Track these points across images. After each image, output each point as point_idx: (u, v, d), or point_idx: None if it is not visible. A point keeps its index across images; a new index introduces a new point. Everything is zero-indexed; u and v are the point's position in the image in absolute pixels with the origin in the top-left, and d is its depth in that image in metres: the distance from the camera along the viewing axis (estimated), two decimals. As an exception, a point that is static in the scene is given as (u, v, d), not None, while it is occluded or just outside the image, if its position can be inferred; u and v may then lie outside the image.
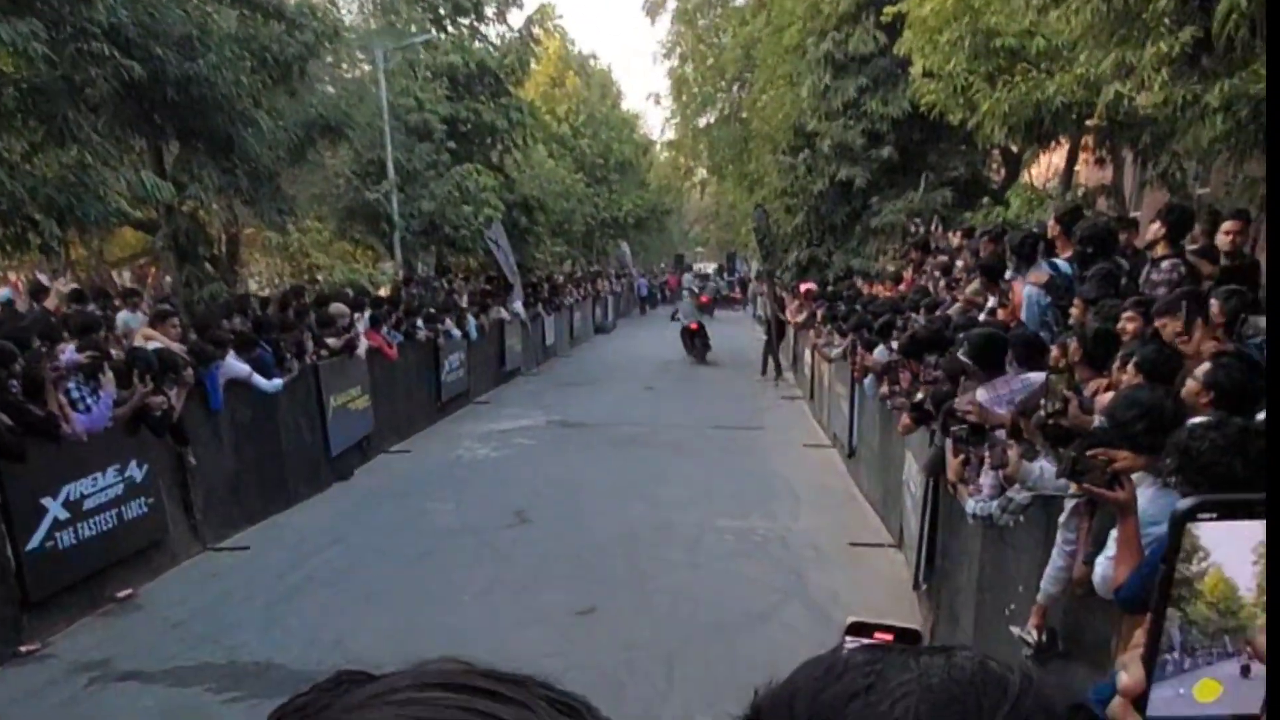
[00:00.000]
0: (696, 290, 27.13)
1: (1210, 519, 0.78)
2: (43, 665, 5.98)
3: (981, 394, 5.62)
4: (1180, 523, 0.79)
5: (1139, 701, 0.85)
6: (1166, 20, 7.27)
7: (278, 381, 9.50)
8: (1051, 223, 7.40)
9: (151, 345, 8.03)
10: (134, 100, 11.00)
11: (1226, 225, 5.92)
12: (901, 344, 7.89)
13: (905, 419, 7.15)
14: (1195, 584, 0.81)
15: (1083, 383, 4.92)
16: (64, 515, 6.60)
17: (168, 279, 14.22)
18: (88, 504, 6.85)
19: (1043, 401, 4.62)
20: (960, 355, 5.88)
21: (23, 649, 6.07)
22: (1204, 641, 0.82)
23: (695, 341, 21.50)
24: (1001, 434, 4.90)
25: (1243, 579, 0.80)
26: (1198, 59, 7.27)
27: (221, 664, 5.97)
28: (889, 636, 0.81)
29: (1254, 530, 0.79)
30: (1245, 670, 0.81)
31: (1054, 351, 5.57)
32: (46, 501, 6.47)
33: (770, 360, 18.96)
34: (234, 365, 8.95)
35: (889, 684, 0.54)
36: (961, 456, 5.43)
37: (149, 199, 11.04)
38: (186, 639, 6.36)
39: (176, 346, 8.32)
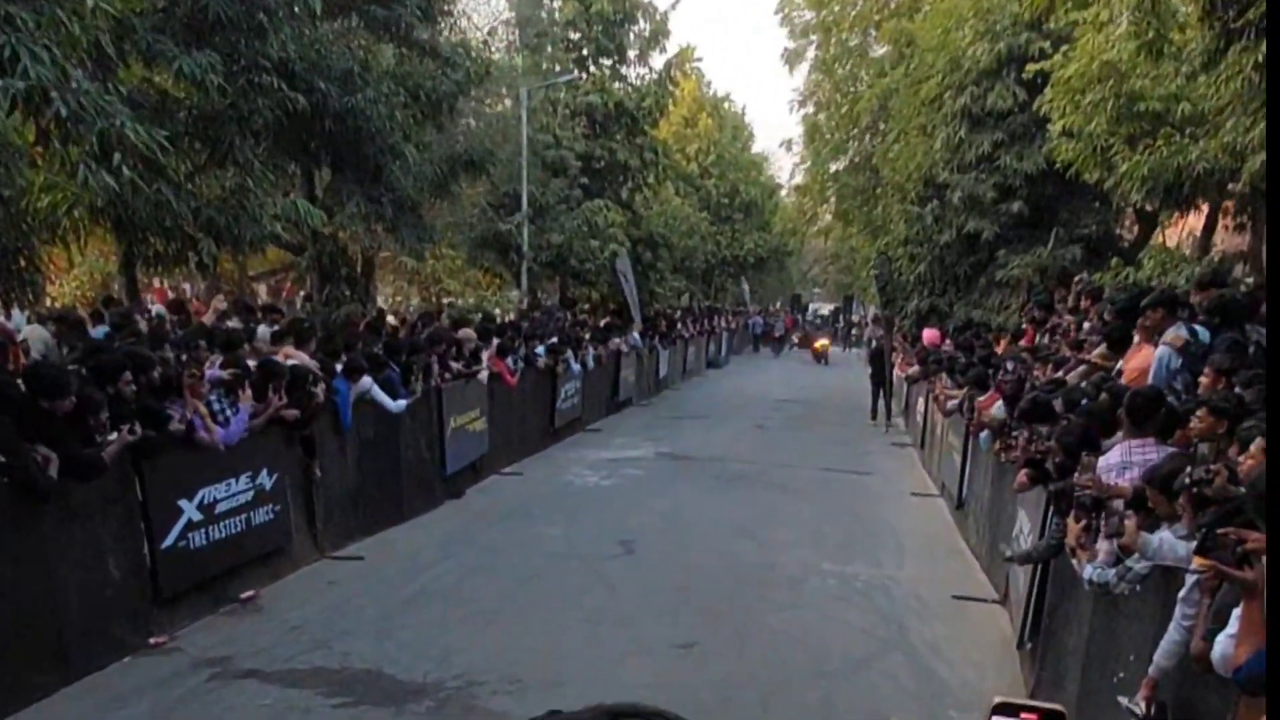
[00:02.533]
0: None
1: None
2: (169, 658, 6.22)
3: (1115, 454, 5.34)
4: None
5: None
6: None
7: (402, 402, 9.75)
8: (1193, 290, 7.03)
9: (290, 362, 8.38)
10: (294, 129, 11.57)
11: None
12: (1021, 407, 7.58)
13: (1022, 477, 6.87)
14: None
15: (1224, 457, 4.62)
16: (197, 517, 6.89)
17: (300, 296, 14.83)
18: (220, 508, 7.14)
19: (1188, 469, 4.37)
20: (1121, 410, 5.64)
21: (152, 641, 6.34)
22: None
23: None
24: (1119, 504, 4.66)
25: None
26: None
27: (334, 669, 6.10)
28: (1034, 717, 0.81)
29: None
30: None
31: (1193, 422, 5.25)
32: (182, 503, 6.77)
33: (881, 404, 18.54)
34: (363, 381, 9.24)
35: None
36: (1083, 522, 5.16)
37: (301, 223, 11.55)
38: (302, 642, 6.54)
39: (311, 364, 8.66)
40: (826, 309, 49.53)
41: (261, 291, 21.19)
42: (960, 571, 8.87)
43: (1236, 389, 5.28)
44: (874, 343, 22.16)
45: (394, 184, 12.89)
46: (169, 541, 6.62)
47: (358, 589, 7.77)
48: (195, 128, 10.44)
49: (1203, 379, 5.77)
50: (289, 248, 14.63)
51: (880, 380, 18.64)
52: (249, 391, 7.47)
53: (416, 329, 12.88)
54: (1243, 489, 3.85)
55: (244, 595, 7.30)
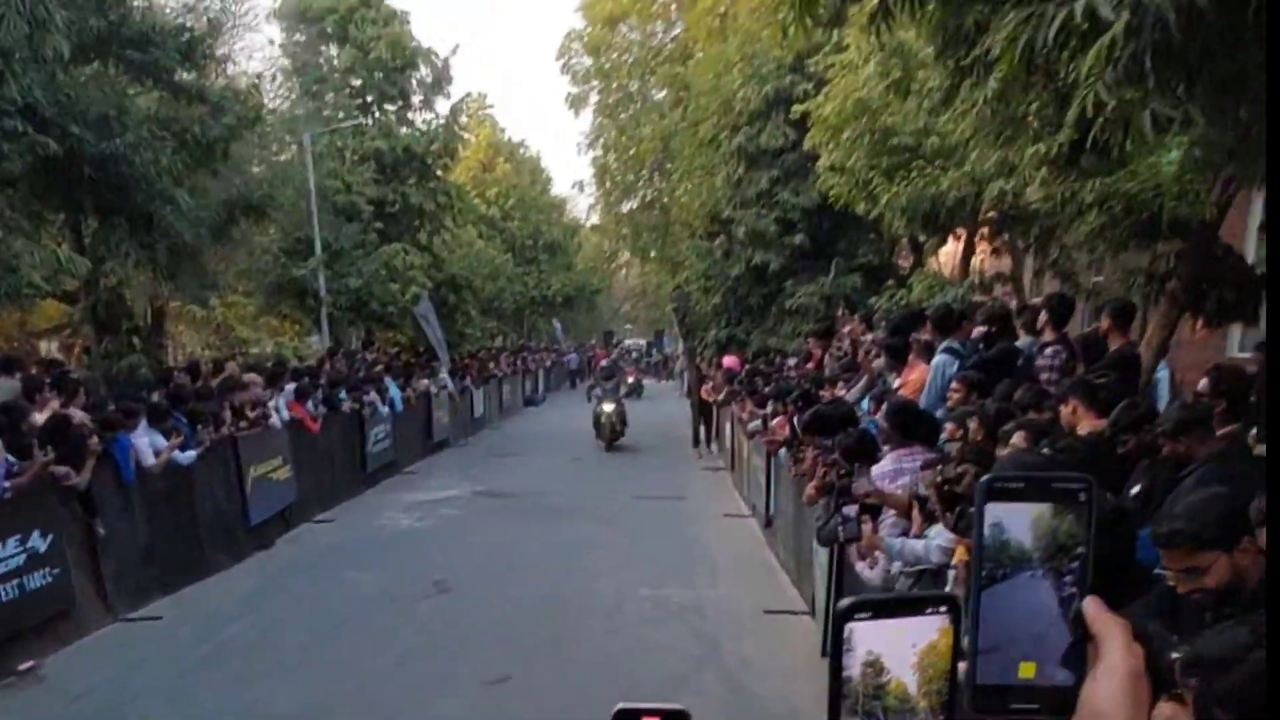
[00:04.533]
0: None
1: (866, 618, 0.85)
2: (-66, 740, 5.59)
3: (887, 463, 5.73)
4: (840, 621, 0.86)
5: None
6: (1044, 124, 7.62)
7: (191, 453, 9.23)
8: (933, 333, 7.57)
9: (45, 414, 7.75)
10: (50, 176, 10.75)
11: (1104, 321, 6.16)
12: (804, 420, 8.00)
13: (809, 490, 7.24)
14: (885, 689, 0.89)
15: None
16: (-39, 586, 6.23)
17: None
18: (-12, 575, 6.48)
19: (938, 468, 4.73)
20: (881, 418, 6.01)
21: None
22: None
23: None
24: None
25: (910, 679, 0.88)
26: (1076, 159, 7.62)
27: (124, 738, 5.63)
28: (656, 719, 0.87)
29: (910, 628, 0.86)
30: None
31: (949, 428, 5.70)
32: (-57, 572, 6.10)
33: (699, 431, 19.06)
34: (142, 445, 8.62)
35: None
36: (870, 526, 5.48)
37: (65, 273, 10.68)
38: (88, 712, 6.05)
39: (80, 415, 8.04)
40: (640, 343, 50.43)
41: (53, 348, 19.41)
42: (772, 587, 9.18)
43: (991, 399, 5.74)
44: (685, 374, 22.68)
45: (167, 230, 12.11)
46: (-71, 613, 5.94)
47: (152, 650, 7.25)
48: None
49: (952, 392, 6.25)
50: (66, 299, 13.50)
51: (695, 408, 19.16)
52: (-1, 444, 6.81)
53: (205, 377, 12.16)
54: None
55: (22, 666, 6.66)
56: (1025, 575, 0.87)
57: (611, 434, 18.64)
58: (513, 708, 6.19)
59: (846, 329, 11.80)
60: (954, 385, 6.14)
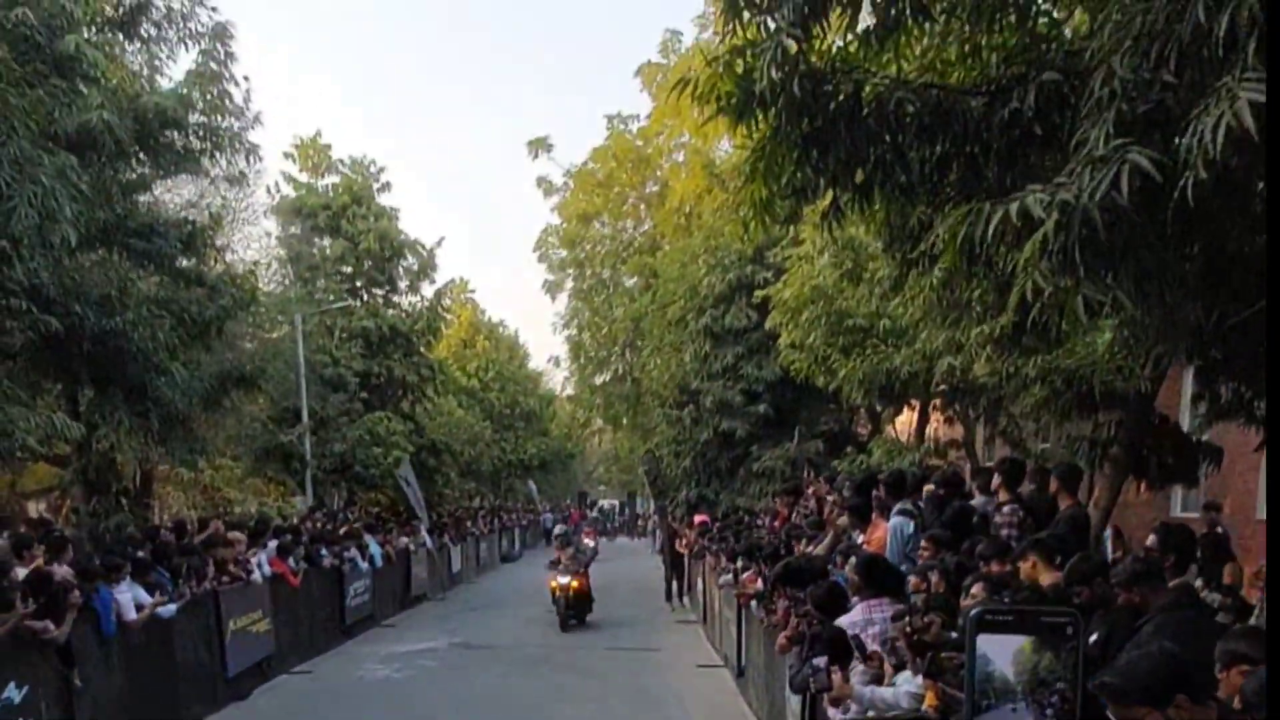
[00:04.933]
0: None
1: None
2: None
3: (857, 613, 5.69)
4: None
5: None
6: (986, 308, 8.01)
7: (171, 606, 8.95)
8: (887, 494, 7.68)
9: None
10: (50, 350, 10.75)
11: (1053, 484, 6.31)
12: (775, 573, 7.96)
13: (781, 640, 7.14)
14: None
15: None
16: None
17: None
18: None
19: (907, 618, 4.74)
20: (849, 571, 6.00)
21: None
22: None
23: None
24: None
25: None
26: (1018, 339, 7.98)
27: None
28: None
29: None
30: None
31: (913, 580, 5.73)
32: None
33: (672, 586, 18.73)
34: (124, 599, 8.34)
35: None
36: (839, 675, 5.40)
37: (58, 438, 10.56)
38: None
39: (63, 571, 7.79)
40: (614, 503, 50.28)
41: (41, 508, 18.95)
42: (745, 736, 8.82)
43: (959, 552, 5.80)
44: (658, 532, 22.47)
45: (161, 399, 12.07)
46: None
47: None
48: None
49: (922, 550, 6.31)
50: (55, 461, 13.29)
51: (668, 564, 18.93)
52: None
53: (190, 535, 11.88)
54: (953, 634, 4.28)
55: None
56: (1008, 708, 0.91)
57: (569, 609, 14.98)
58: None
59: (811, 489, 11.90)
60: (924, 544, 6.20)
